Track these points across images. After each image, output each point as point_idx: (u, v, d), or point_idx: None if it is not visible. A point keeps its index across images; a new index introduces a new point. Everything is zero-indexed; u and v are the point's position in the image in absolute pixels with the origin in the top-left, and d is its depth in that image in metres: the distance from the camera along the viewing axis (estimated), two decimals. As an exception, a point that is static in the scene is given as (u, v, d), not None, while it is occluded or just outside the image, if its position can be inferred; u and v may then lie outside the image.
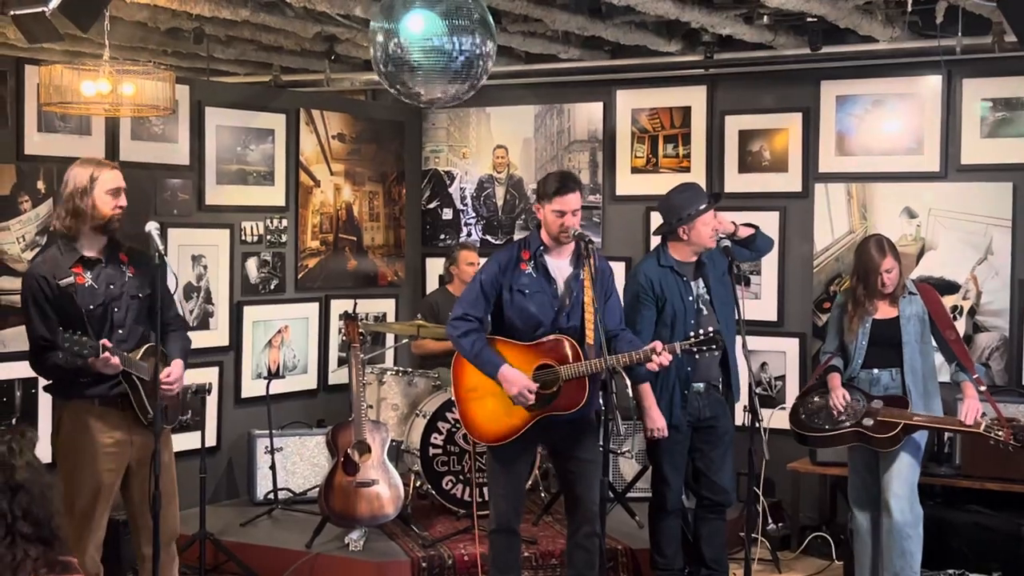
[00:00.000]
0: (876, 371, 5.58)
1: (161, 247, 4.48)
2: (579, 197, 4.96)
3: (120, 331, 4.57)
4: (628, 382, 5.51)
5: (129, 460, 4.60)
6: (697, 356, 4.95)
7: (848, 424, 5.54)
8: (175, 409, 4.80)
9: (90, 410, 4.53)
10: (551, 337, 4.94)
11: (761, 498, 6.56)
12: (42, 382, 4.85)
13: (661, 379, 5.43)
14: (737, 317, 5.30)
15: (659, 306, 5.44)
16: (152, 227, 4.52)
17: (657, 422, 5.41)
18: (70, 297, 4.46)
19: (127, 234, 4.76)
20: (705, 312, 5.47)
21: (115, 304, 4.58)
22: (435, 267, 8.20)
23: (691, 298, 5.46)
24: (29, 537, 2.34)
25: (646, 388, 5.42)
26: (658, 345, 4.82)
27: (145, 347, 4.61)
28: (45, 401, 6.06)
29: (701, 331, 4.92)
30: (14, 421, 5.93)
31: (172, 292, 4.86)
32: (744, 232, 5.64)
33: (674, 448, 5.49)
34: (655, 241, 7.42)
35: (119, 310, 4.59)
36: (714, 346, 4.86)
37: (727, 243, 5.41)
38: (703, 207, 5.44)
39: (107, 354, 4.36)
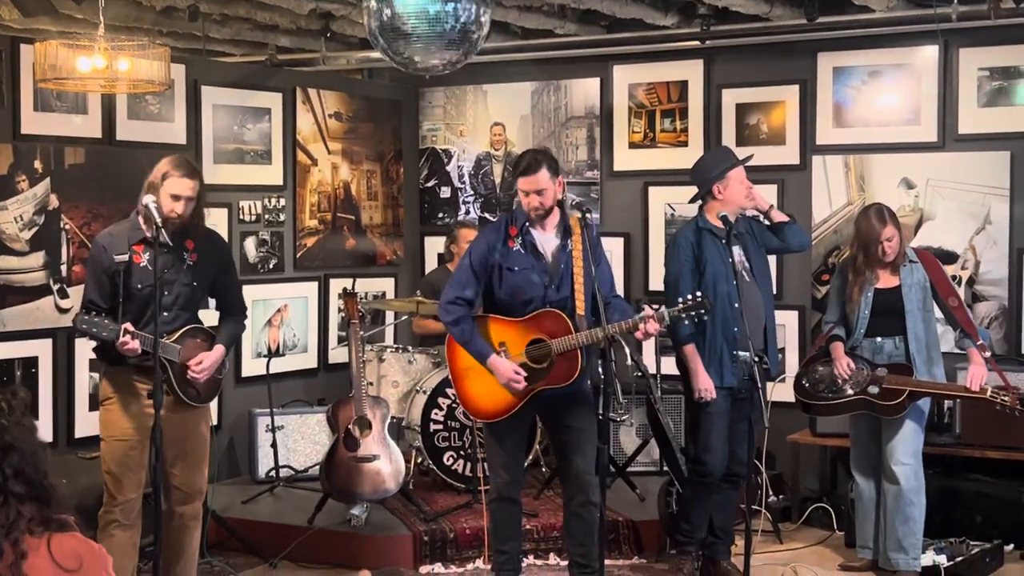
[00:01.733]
0: (879, 339, 5.59)
1: (159, 219, 4.48)
2: (546, 176, 4.85)
3: (165, 314, 4.69)
4: (628, 352, 5.50)
5: (167, 426, 4.70)
6: (688, 322, 4.91)
7: (853, 393, 5.55)
8: (209, 390, 4.90)
9: (130, 372, 4.69)
10: (542, 311, 4.93)
11: (763, 471, 6.55)
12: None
13: (709, 343, 5.38)
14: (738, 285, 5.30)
15: (700, 268, 5.41)
16: (149, 200, 4.52)
17: (705, 383, 5.34)
18: (121, 274, 4.58)
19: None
20: (747, 278, 5.43)
21: (165, 288, 4.69)
22: (434, 246, 8.20)
23: (730, 260, 5.38)
24: (22, 496, 2.33)
25: (691, 349, 5.37)
26: (647, 312, 4.80)
27: (184, 329, 4.76)
28: (45, 380, 6.10)
29: (690, 296, 4.86)
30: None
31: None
32: (777, 216, 5.61)
33: (719, 416, 5.42)
34: (654, 216, 7.50)
35: (168, 294, 4.71)
36: (703, 311, 4.81)
37: (742, 213, 5.42)
38: (735, 162, 5.49)
39: (126, 338, 4.50)
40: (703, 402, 5.38)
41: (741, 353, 5.36)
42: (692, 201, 5.69)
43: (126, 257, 4.60)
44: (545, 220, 4.97)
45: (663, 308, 4.87)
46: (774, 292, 5.16)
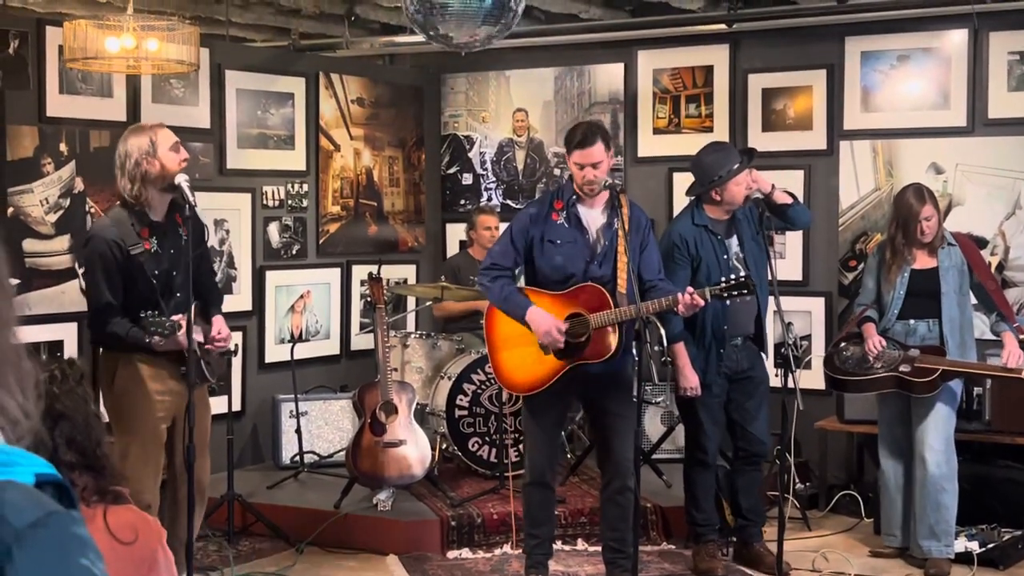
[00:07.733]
0: (913, 322, 5.55)
1: (192, 199, 4.43)
2: (602, 149, 4.86)
3: (178, 295, 4.56)
4: (664, 338, 5.48)
5: (176, 411, 4.60)
6: (728, 302, 4.89)
7: (884, 371, 5.51)
8: (217, 364, 4.81)
9: (143, 359, 4.53)
10: (581, 285, 4.90)
11: (791, 459, 6.49)
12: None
13: (698, 336, 5.41)
14: (770, 278, 5.24)
15: (694, 265, 5.39)
16: (182, 179, 4.48)
17: (691, 380, 5.39)
18: (139, 265, 4.44)
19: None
20: (740, 270, 5.41)
21: (175, 269, 4.58)
22: (456, 233, 8.15)
23: (725, 256, 5.40)
24: (74, 465, 2.30)
25: (680, 347, 5.41)
26: (688, 291, 4.77)
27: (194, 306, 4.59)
28: (71, 364, 6.06)
29: (732, 276, 4.86)
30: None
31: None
32: (780, 198, 5.45)
33: (711, 402, 5.47)
34: (678, 202, 7.44)
35: (178, 274, 4.58)
36: (745, 291, 4.79)
37: (759, 195, 5.35)
38: (735, 167, 5.38)
39: (180, 333, 4.38)
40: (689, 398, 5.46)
41: (733, 341, 5.44)
42: (688, 194, 5.63)
43: (141, 246, 4.45)
44: (595, 197, 4.94)
45: (705, 287, 4.86)
46: (776, 277, 5.12)
